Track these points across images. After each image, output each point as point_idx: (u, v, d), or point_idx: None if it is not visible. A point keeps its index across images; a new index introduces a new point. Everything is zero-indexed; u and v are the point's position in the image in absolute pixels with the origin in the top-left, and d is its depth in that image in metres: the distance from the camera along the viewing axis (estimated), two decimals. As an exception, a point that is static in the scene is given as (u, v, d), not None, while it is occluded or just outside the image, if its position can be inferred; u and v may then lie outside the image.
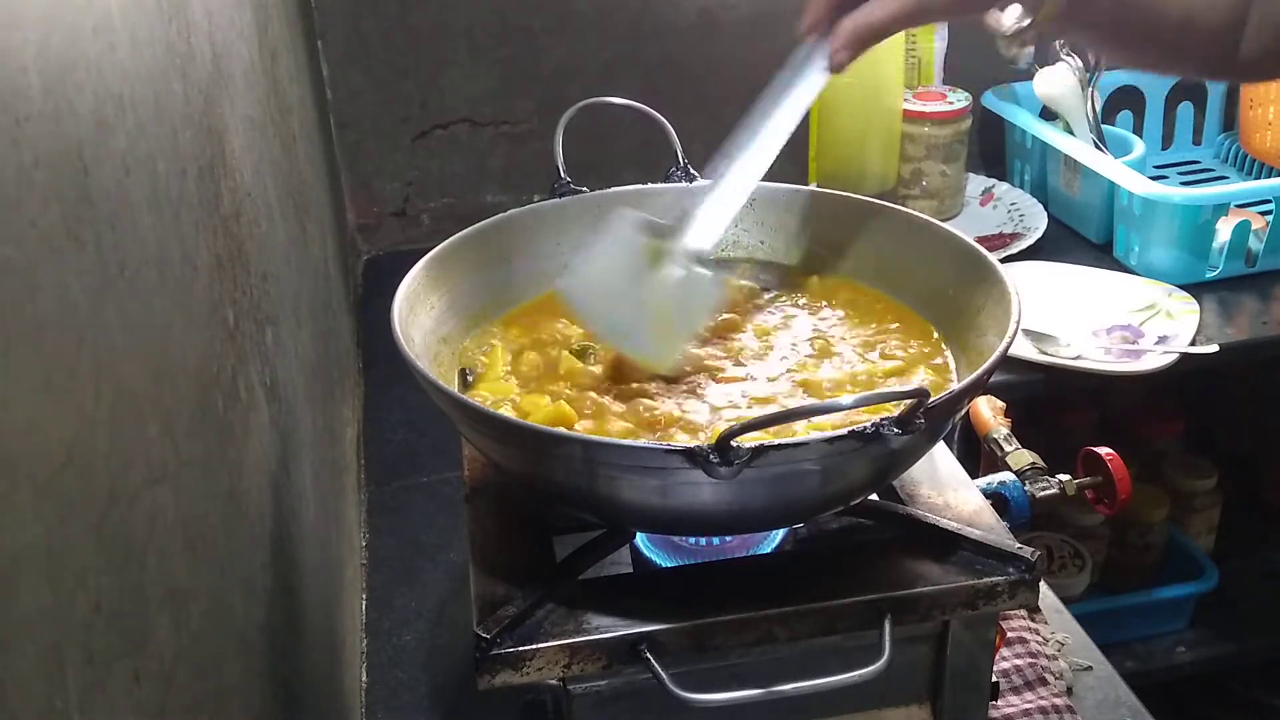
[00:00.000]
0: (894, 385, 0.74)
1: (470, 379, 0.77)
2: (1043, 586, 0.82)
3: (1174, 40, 0.79)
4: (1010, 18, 0.79)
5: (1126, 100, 1.71)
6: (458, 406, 0.65)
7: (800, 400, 0.73)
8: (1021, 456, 0.84)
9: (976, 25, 0.79)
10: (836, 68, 0.73)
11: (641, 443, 0.66)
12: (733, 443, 0.56)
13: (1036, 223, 1.51)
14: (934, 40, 1.58)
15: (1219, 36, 0.77)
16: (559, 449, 0.62)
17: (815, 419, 0.65)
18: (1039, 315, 1.29)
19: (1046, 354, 1.25)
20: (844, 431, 0.58)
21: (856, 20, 0.72)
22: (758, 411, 0.71)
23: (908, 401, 0.57)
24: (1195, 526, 1.64)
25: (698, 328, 0.74)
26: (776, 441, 0.58)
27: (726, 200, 0.75)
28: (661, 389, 0.74)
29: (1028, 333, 1.26)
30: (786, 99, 0.74)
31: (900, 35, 1.41)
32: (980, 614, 0.67)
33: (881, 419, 0.57)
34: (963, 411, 0.69)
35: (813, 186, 1.45)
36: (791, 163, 1.62)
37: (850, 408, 0.61)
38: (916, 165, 1.51)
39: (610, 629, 0.62)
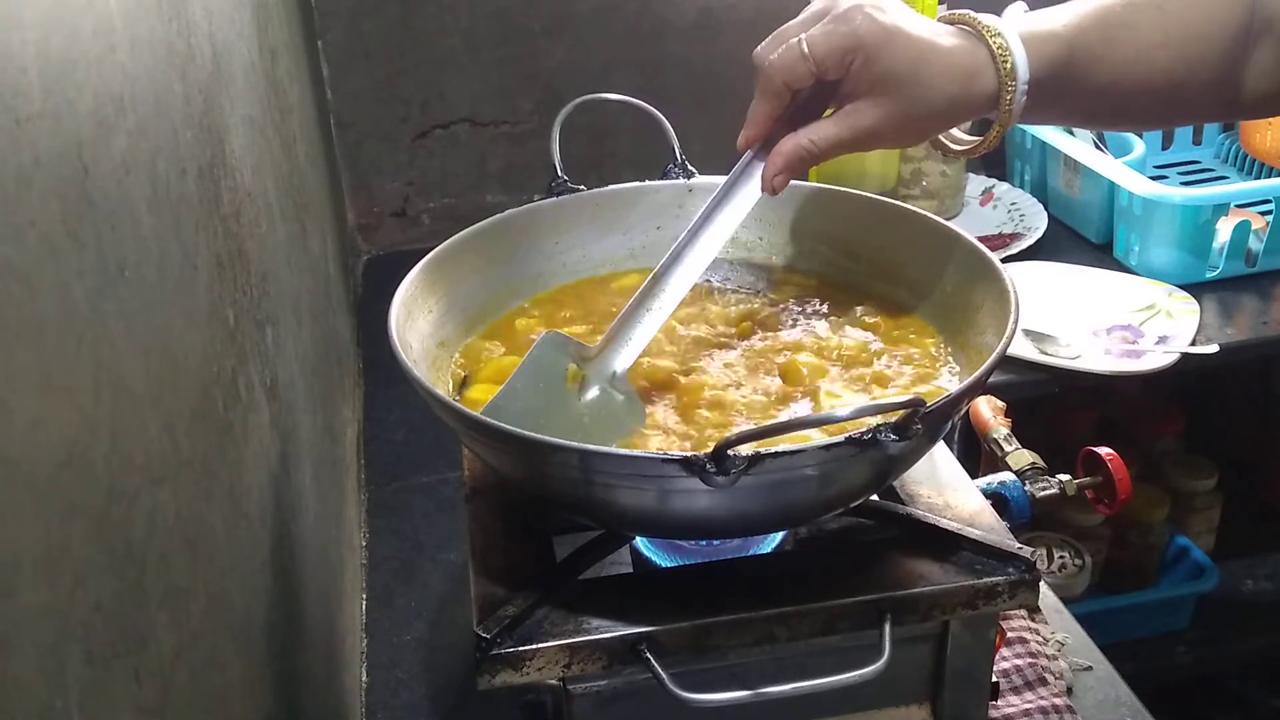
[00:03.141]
0: (892, 387, 0.74)
1: (467, 378, 0.77)
2: (1043, 586, 0.82)
3: (1162, 106, 0.76)
4: (961, 140, 0.78)
5: (1126, 100, 1.71)
6: (455, 414, 0.65)
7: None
8: (1021, 456, 0.84)
9: (931, 144, 0.78)
10: (771, 191, 0.72)
11: (638, 452, 0.66)
12: (729, 451, 0.56)
13: (1036, 223, 1.51)
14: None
15: (1212, 89, 0.74)
16: (555, 457, 0.61)
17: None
18: (1039, 315, 1.29)
19: (1046, 354, 1.25)
20: (841, 439, 0.57)
21: (797, 142, 0.70)
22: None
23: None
24: (1195, 526, 1.64)
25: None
26: (773, 449, 0.58)
27: (648, 321, 0.73)
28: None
29: (1028, 333, 1.26)
30: (718, 216, 0.73)
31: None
32: (980, 614, 0.67)
33: (878, 425, 0.57)
34: (962, 412, 0.69)
35: (812, 183, 1.45)
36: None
37: (847, 419, 0.61)
38: (916, 165, 1.50)
39: (610, 629, 0.62)
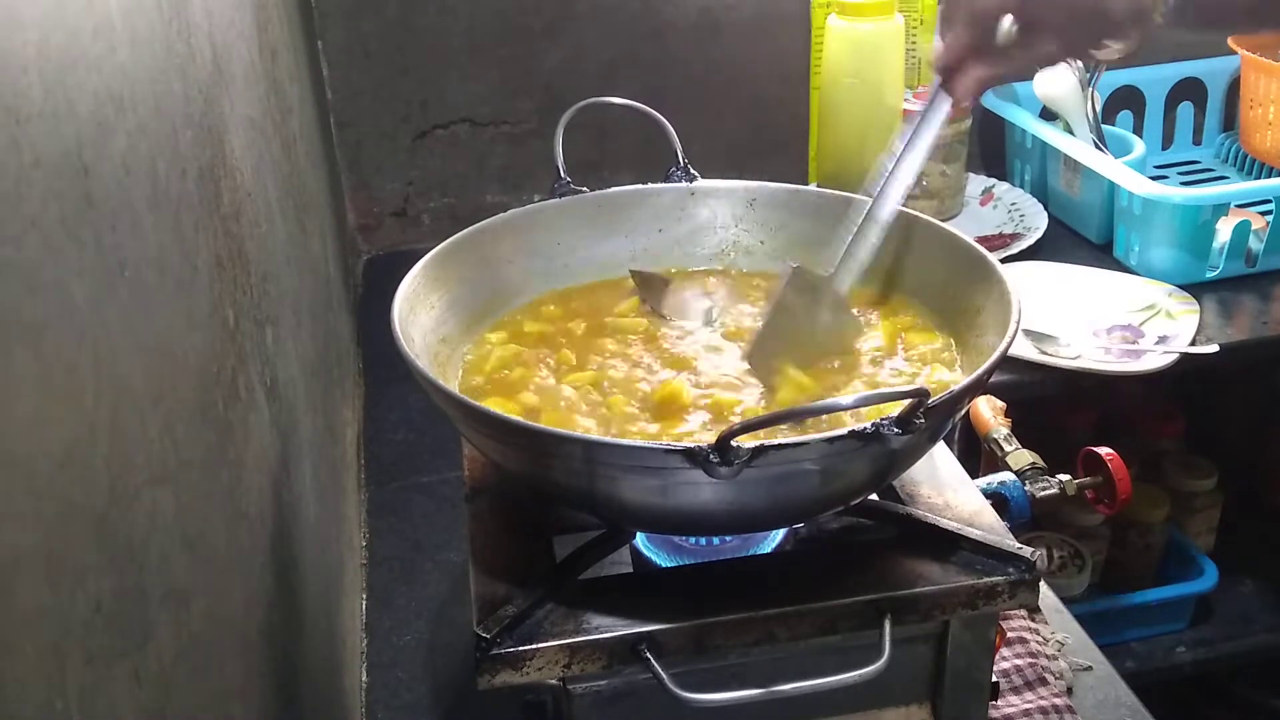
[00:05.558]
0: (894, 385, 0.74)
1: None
2: (1043, 586, 0.82)
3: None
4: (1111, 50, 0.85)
5: (1126, 100, 1.71)
6: (458, 406, 0.65)
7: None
8: (1021, 456, 0.84)
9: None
10: (958, 106, 0.81)
11: (641, 442, 0.65)
12: (733, 442, 0.56)
13: (1036, 223, 1.51)
14: (934, 40, 1.58)
15: None
16: (559, 449, 0.62)
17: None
18: (1039, 315, 1.29)
19: (1046, 354, 1.25)
20: (844, 431, 0.58)
21: (986, 69, 0.79)
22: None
23: (908, 401, 0.57)
24: (1195, 526, 1.64)
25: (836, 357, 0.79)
26: (776, 441, 0.58)
27: (866, 244, 0.79)
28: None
29: (1028, 333, 1.26)
30: (917, 140, 0.80)
31: (900, 35, 1.41)
32: (980, 614, 0.67)
33: (881, 419, 0.57)
34: (963, 411, 0.69)
35: (813, 186, 1.45)
36: (792, 163, 1.62)
37: (850, 408, 0.61)
38: (916, 165, 1.50)
39: (610, 629, 0.62)
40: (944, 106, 0.81)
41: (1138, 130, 1.70)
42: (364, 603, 1.00)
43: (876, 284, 0.84)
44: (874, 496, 0.72)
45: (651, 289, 0.85)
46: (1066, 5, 0.78)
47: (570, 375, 0.76)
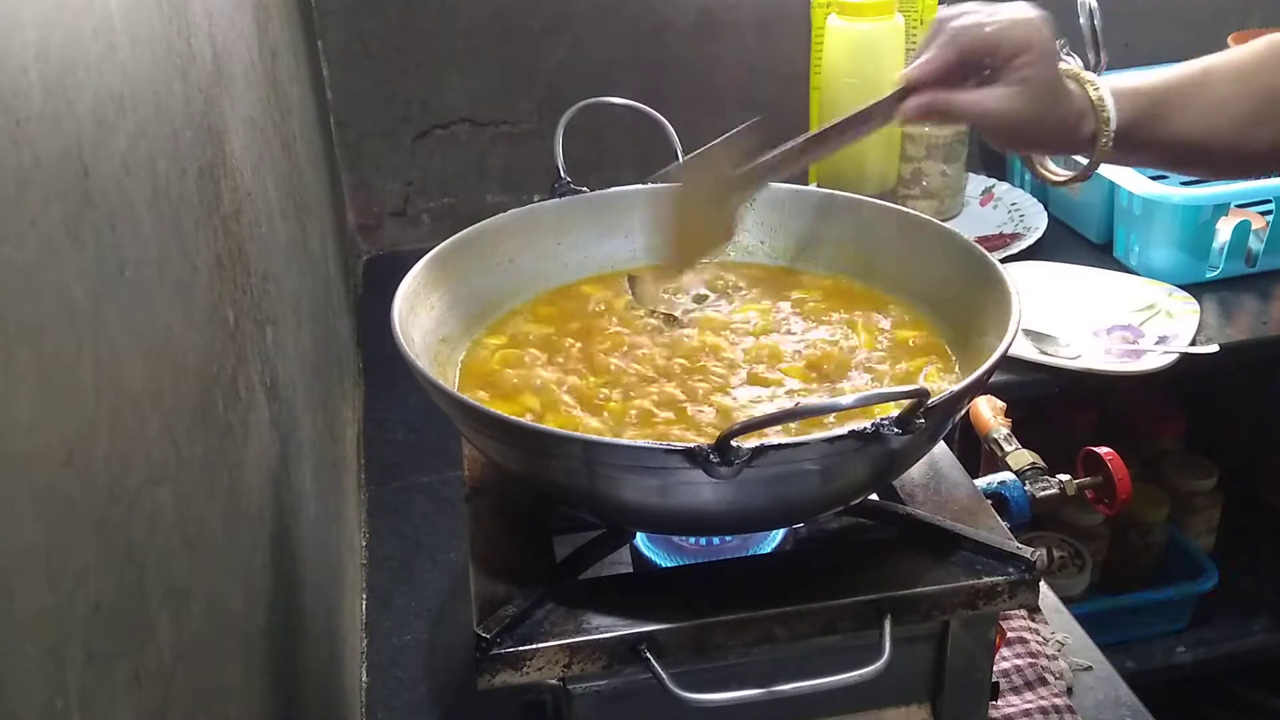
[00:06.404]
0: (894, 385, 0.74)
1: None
2: (1043, 586, 0.82)
3: (1232, 162, 0.85)
4: (1061, 171, 0.88)
5: (1126, 100, 1.71)
6: (458, 406, 0.65)
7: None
8: (1021, 456, 0.84)
9: (1028, 165, 0.89)
10: (902, 120, 0.81)
11: (641, 443, 0.65)
12: (732, 442, 0.56)
13: (1036, 223, 1.51)
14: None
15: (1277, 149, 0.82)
16: (559, 449, 0.62)
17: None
18: (1039, 315, 1.29)
19: (1046, 354, 1.25)
20: (844, 431, 0.58)
21: (947, 97, 0.78)
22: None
23: (907, 401, 0.57)
24: (1195, 526, 1.64)
25: (710, 252, 0.84)
26: (776, 441, 0.58)
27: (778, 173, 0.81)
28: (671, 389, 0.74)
29: (1028, 333, 1.26)
30: (850, 132, 0.81)
31: (900, 35, 1.41)
32: (980, 614, 0.67)
33: (881, 419, 0.57)
34: (963, 411, 0.69)
35: (813, 186, 1.45)
36: (791, 163, 1.61)
37: (850, 407, 0.61)
38: (916, 165, 1.50)
39: (610, 629, 0.62)
40: (888, 117, 0.81)
41: (1138, 130, 1.70)
42: (364, 603, 1.00)
43: (876, 281, 0.84)
44: (874, 496, 0.72)
45: (643, 289, 0.84)
46: (1035, 82, 0.77)
47: (570, 374, 0.76)
